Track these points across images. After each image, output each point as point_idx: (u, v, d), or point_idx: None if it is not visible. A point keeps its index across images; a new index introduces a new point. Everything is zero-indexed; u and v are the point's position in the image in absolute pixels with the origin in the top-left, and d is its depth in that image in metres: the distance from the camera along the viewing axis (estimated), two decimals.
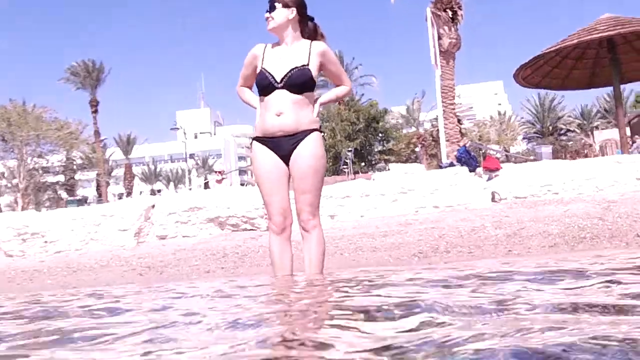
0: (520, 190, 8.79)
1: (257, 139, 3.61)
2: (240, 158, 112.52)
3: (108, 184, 52.21)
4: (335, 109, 43.24)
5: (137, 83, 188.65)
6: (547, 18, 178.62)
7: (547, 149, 23.14)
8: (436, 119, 51.01)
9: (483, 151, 27.17)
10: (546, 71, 18.84)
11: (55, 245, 8.36)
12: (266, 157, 3.55)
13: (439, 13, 18.11)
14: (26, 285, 5.95)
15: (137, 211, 8.62)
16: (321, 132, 3.67)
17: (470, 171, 12.44)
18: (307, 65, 3.51)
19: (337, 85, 3.85)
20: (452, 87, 19.24)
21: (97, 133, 51.81)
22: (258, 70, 3.58)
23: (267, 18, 3.60)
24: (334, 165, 36.31)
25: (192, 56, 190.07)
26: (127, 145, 73.69)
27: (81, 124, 42.45)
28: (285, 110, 3.46)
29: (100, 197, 49.86)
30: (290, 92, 3.47)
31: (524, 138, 72.71)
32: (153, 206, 8.88)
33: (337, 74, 3.78)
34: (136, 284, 5.37)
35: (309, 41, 3.63)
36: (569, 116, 72.69)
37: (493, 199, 8.64)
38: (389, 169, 16.53)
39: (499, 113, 70.74)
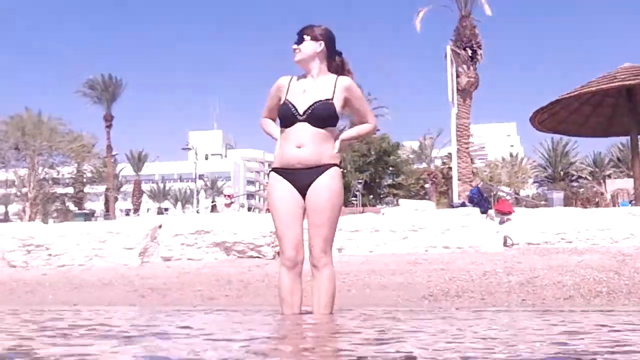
0: (533, 236, 8.64)
1: (275, 170, 3.53)
2: (249, 182, 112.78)
3: (116, 199, 52.24)
4: None
5: (150, 100, 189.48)
6: (565, 63, 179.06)
7: (558, 195, 22.95)
8: (447, 156, 51.09)
9: (494, 193, 26.98)
10: (563, 116, 18.71)
11: (60, 259, 8.27)
12: (283, 188, 3.47)
13: (458, 51, 18.14)
14: (27, 299, 5.84)
15: (144, 230, 8.53)
16: (341, 168, 3.59)
17: (482, 212, 12.29)
18: (332, 99, 3.44)
19: (360, 123, 3.73)
20: (468, 126, 19.20)
21: (109, 148, 51.91)
22: (282, 102, 3.51)
23: (295, 49, 3.56)
24: (344, 197, 36.18)
25: (207, 77, 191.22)
26: (138, 161, 73.97)
27: (94, 137, 42.66)
28: (305, 143, 3.39)
29: (108, 212, 49.82)
30: (312, 125, 3.40)
31: (534, 182, 72.47)
32: (160, 226, 8.79)
33: (361, 110, 3.68)
34: (137, 307, 5.27)
35: (335, 75, 3.57)
36: (581, 163, 72.47)
37: (505, 244, 8.49)
38: (398, 204, 16.40)
39: (511, 155, 70.60)
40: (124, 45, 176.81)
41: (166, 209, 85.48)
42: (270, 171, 3.60)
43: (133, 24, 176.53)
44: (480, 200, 12.73)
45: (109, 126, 53.13)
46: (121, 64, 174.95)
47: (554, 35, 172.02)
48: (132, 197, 65.07)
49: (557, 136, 60.94)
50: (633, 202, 21.03)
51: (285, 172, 3.47)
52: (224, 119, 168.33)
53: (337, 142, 3.54)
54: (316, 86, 3.50)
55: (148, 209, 48.96)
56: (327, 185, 3.43)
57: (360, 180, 32.01)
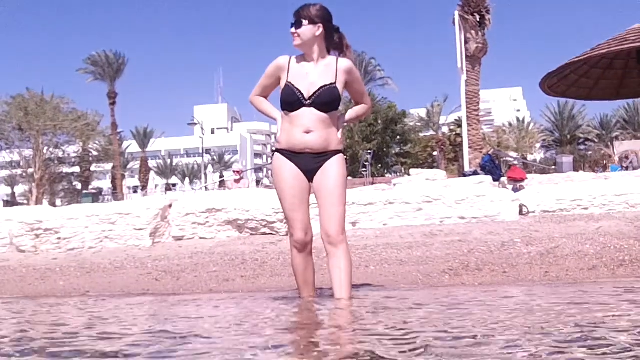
0: (548, 204, 8.49)
1: (280, 151, 3.56)
2: (257, 155, 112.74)
3: (124, 177, 52.24)
4: None
5: (154, 76, 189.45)
6: (572, 25, 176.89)
7: (567, 159, 22.85)
8: (455, 123, 50.73)
9: (503, 159, 26.82)
10: (573, 80, 18.50)
11: (69, 243, 8.16)
12: (290, 171, 3.51)
13: (466, 17, 17.80)
14: (38, 287, 5.74)
15: (154, 210, 8.40)
16: (344, 153, 3.69)
17: (495, 180, 12.20)
18: (335, 83, 3.47)
19: (358, 103, 3.81)
20: (477, 92, 18.93)
21: (114, 125, 51.83)
22: (283, 84, 3.52)
23: (294, 34, 3.50)
24: (352, 167, 36.07)
25: (211, 51, 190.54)
26: (143, 138, 73.87)
27: (98, 115, 42.50)
28: (314, 129, 3.44)
29: (115, 190, 49.86)
30: (318, 110, 3.44)
31: (542, 146, 72.12)
32: (170, 205, 8.67)
33: (360, 92, 3.76)
34: (150, 293, 5.17)
35: (335, 58, 3.59)
36: (588, 125, 72.04)
37: (521, 212, 8.34)
38: (408, 173, 16.24)
39: (518, 120, 70.20)
40: (126, 20, 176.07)
41: (174, 185, 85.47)
42: (274, 152, 3.62)
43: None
44: (493, 168, 12.62)
45: (113, 103, 53.01)
46: (123, 40, 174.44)
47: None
48: (140, 174, 65.08)
49: (563, 100, 60.45)
50: (626, 165, 20.91)
51: (291, 154, 3.50)
52: (229, 93, 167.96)
53: (340, 125, 3.60)
54: (318, 70, 3.51)
55: (156, 185, 48.71)
56: (336, 170, 3.51)
57: (369, 151, 31.81)
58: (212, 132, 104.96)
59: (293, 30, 3.49)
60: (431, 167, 45.46)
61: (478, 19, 18.48)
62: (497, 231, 7.15)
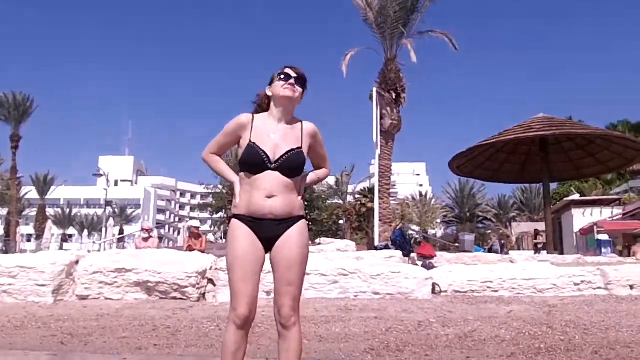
0: (460, 284, 8.69)
1: (239, 216, 3.28)
2: (160, 211, 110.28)
3: (18, 223, 49.56)
4: None
5: (60, 122, 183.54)
6: (477, 111, 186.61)
7: (470, 237, 23.59)
8: (360, 193, 51.61)
9: (407, 232, 27.36)
10: (480, 162, 19.38)
11: None
12: (247, 238, 3.23)
13: (383, 94, 18.35)
14: None
15: (59, 266, 7.98)
16: (306, 218, 3.44)
17: (405, 255, 12.37)
18: (301, 147, 3.31)
19: (317, 167, 3.61)
20: (389, 167, 19.41)
21: (13, 170, 49.61)
22: (244, 143, 3.29)
23: (293, 86, 3.35)
24: None
25: (121, 101, 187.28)
26: (43, 185, 70.97)
27: None
28: (277, 194, 3.22)
29: (8, 237, 47.21)
30: (283, 174, 3.24)
31: (442, 222, 74.34)
32: (77, 262, 8.26)
33: (322, 156, 3.57)
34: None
35: (300, 121, 3.42)
36: (487, 205, 75.08)
37: (433, 291, 8.46)
38: (319, 242, 16.25)
39: (420, 194, 72.26)
40: (36, 63, 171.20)
41: (70, 236, 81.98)
42: (232, 217, 3.33)
43: (45, 40, 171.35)
44: (403, 242, 12.81)
45: (15, 147, 50.74)
46: (32, 83, 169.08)
47: (468, 84, 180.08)
48: (36, 222, 62.13)
49: (464, 178, 63.05)
50: (488, 247, 21.99)
51: (251, 220, 3.25)
52: (137, 145, 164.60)
53: (302, 189, 3.40)
54: (284, 132, 3.33)
55: (52, 235, 46.51)
56: (299, 241, 3.28)
57: None
58: (116, 184, 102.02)
59: (293, 82, 3.34)
60: (336, 235, 45.83)
61: (394, 97, 19.14)
62: (412, 309, 7.19)
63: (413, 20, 21.23)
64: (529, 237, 36.55)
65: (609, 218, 30.11)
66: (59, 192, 78.69)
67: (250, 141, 3.28)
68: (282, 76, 3.36)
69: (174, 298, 7.95)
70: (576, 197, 37.40)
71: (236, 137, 3.37)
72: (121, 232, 64.03)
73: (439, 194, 77.21)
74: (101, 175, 45.44)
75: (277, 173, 3.23)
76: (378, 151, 17.25)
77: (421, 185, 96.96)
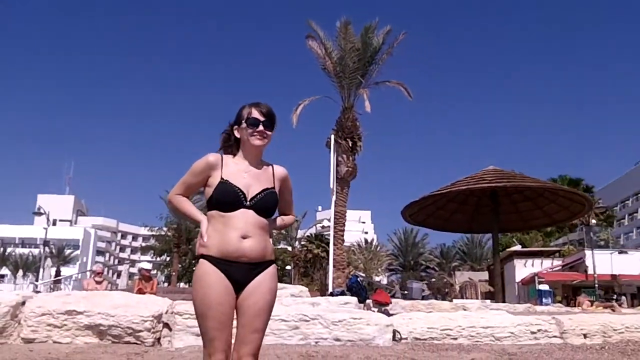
0: (420, 331, 8.62)
1: (208, 258, 3.11)
2: (99, 252, 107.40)
3: None
4: None
5: None
6: (426, 161, 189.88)
7: (418, 285, 23.79)
8: (306, 239, 51.57)
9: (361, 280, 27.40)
10: (431, 211, 19.64)
11: None
12: (221, 284, 3.08)
13: (340, 141, 18.48)
14: None
15: (4, 307, 7.56)
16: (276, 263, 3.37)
17: (360, 302, 12.30)
18: (274, 188, 3.25)
19: (283, 213, 3.52)
20: (344, 213, 19.46)
21: None
22: (215, 182, 3.17)
23: (263, 133, 3.25)
24: None
25: (62, 139, 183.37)
26: None
27: None
28: (252, 234, 3.10)
29: None
30: (257, 213, 3.13)
31: (387, 269, 74.83)
32: (23, 303, 7.86)
33: (289, 202, 3.51)
34: None
35: (270, 164, 3.36)
36: (430, 254, 76.09)
37: (394, 338, 8.38)
38: None
39: (366, 241, 72.78)
40: None
41: (2, 276, 78.88)
42: (200, 257, 3.14)
43: None
44: (359, 289, 12.76)
45: None
46: None
47: (421, 134, 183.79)
48: None
49: (409, 226, 63.66)
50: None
51: (222, 262, 3.09)
52: (78, 184, 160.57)
53: (271, 233, 3.31)
54: (256, 172, 3.25)
55: None
56: (270, 287, 3.18)
57: None
58: (54, 224, 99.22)
59: (262, 129, 3.23)
60: (281, 281, 45.37)
61: (350, 145, 19.31)
62: (374, 356, 7.08)
63: (371, 71, 21.72)
64: (471, 286, 36.91)
65: (549, 269, 30.77)
66: None
67: (222, 179, 3.17)
68: (250, 121, 3.25)
69: (128, 342, 7.62)
70: (518, 247, 38.13)
71: (204, 177, 3.24)
72: (58, 273, 61.88)
73: (383, 241, 77.85)
74: (41, 213, 44.08)
75: (251, 212, 3.13)
76: (334, 197, 17.29)
77: (366, 233, 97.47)
